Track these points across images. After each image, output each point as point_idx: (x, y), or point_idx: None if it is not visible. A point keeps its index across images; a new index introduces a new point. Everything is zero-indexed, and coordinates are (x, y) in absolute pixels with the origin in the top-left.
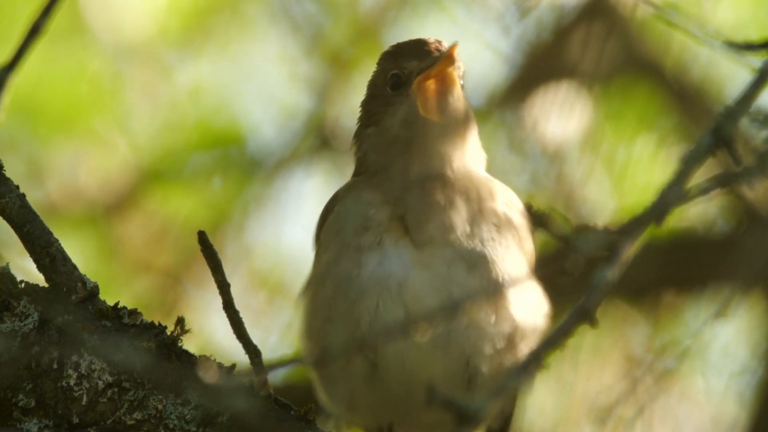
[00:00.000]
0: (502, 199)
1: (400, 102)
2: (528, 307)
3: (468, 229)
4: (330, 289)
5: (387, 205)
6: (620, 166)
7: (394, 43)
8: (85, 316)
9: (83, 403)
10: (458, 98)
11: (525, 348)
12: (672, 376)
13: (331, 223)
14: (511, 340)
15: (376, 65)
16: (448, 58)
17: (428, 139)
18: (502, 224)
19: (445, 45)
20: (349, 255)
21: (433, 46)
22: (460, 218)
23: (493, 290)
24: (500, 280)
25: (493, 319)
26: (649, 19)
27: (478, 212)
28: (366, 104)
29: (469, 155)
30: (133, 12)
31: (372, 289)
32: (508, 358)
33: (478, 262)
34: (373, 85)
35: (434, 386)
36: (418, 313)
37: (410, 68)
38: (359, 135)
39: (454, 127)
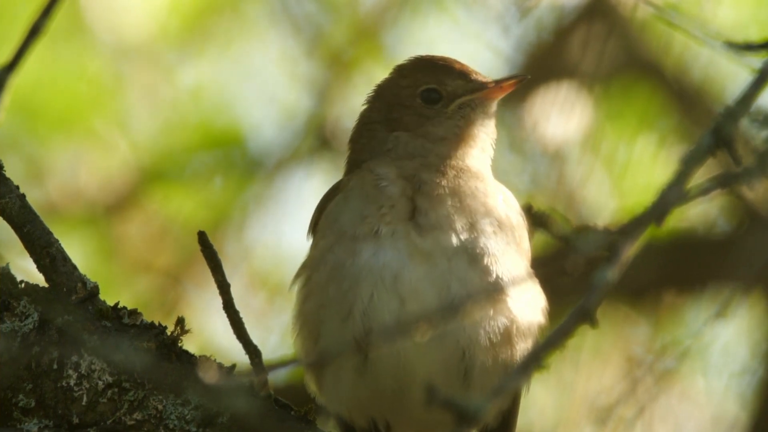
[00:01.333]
0: (501, 197)
1: (442, 116)
2: (525, 302)
3: (472, 222)
4: (324, 275)
5: (401, 179)
6: (620, 167)
7: (413, 56)
8: (85, 317)
9: (83, 403)
10: (494, 118)
11: (521, 343)
12: (672, 377)
13: (331, 210)
14: (508, 335)
15: (397, 73)
16: (502, 90)
17: (463, 146)
18: (503, 222)
19: (475, 68)
20: (345, 243)
21: (470, 68)
22: (465, 211)
23: (492, 286)
24: (500, 275)
25: (490, 312)
26: (649, 20)
27: (482, 207)
28: (388, 109)
29: (486, 158)
30: (134, 12)
31: (366, 278)
32: (504, 352)
33: (479, 256)
34: (393, 93)
35: (434, 386)
36: (414, 306)
37: (454, 87)
38: (378, 135)
39: (486, 138)
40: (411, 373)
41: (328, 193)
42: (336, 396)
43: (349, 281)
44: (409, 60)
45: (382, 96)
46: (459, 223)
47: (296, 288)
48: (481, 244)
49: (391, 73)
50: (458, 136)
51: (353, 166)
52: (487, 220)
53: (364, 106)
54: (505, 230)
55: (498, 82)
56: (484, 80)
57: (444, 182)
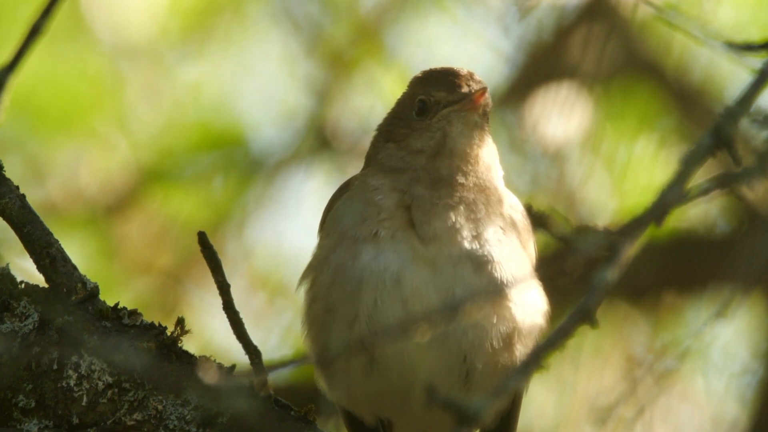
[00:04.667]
0: (508, 202)
1: (423, 128)
2: (528, 306)
3: (475, 230)
4: (328, 278)
5: (395, 192)
6: (621, 167)
7: (426, 68)
8: (85, 317)
9: (83, 403)
10: (479, 132)
11: (522, 347)
12: (672, 377)
13: (337, 209)
14: (509, 340)
15: (407, 86)
16: (474, 104)
17: (447, 162)
18: (507, 227)
19: (476, 78)
20: (347, 244)
21: (463, 79)
22: (467, 219)
23: (496, 291)
24: (504, 281)
25: (494, 319)
26: (649, 20)
27: (486, 216)
28: (390, 120)
29: (483, 170)
30: (134, 12)
31: (367, 282)
32: (505, 356)
33: (484, 263)
34: (400, 105)
35: (434, 386)
36: (417, 310)
37: (438, 98)
38: (378, 144)
39: (472, 153)
40: (414, 374)
41: (338, 191)
42: (344, 394)
43: (351, 285)
44: (422, 71)
45: (394, 107)
46: (461, 234)
47: (303, 290)
48: (486, 255)
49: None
50: (434, 149)
51: (365, 166)
52: (491, 229)
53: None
54: (509, 236)
55: (471, 94)
56: (465, 92)
57: (439, 195)
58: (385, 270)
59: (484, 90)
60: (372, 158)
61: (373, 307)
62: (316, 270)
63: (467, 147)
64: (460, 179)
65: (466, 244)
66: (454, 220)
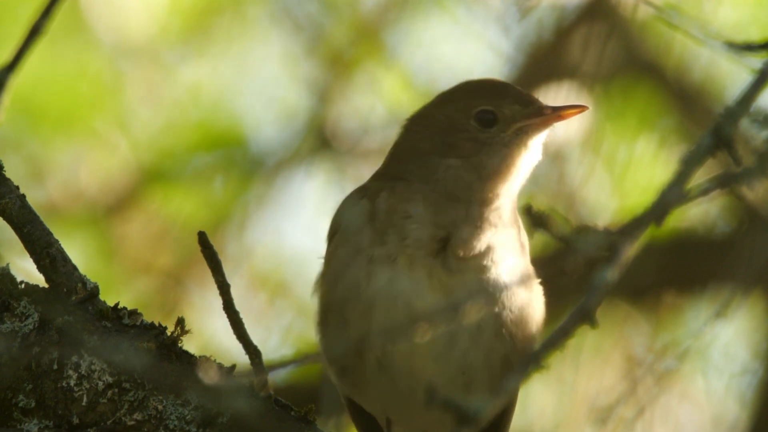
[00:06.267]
0: (519, 224)
1: (495, 141)
2: (528, 312)
3: (501, 256)
4: (340, 293)
5: (432, 226)
6: (621, 167)
7: (467, 80)
8: (85, 317)
9: (83, 403)
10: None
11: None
12: (673, 377)
13: (353, 219)
14: (507, 359)
15: (448, 98)
16: (561, 118)
17: (511, 181)
18: (520, 251)
19: (535, 95)
20: (361, 262)
21: (524, 92)
22: (492, 265)
23: (494, 299)
24: (513, 308)
25: (494, 327)
26: (649, 20)
27: (509, 264)
28: (440, 135)
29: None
30: (134, 12)
31: (381, 305)
32: (502, 373)
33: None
34: (446, 116)
35: (434, 387)
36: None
37: (512, 111)
38: (431, 162)
39: (531, 167)
40: (418, 382)
41: (352, 196)
42: (356, 393)
43: (363, 305)
44: (459, 84)
45: (431, 123)
46: (489, 261)
47: (315, 299)
48: (503, 282)
49: (435, 100)
50: (509, 168)
51: (388, 176)
52: (512, 276)
53: (408, 136)
54: (525, 254)
55: (556, 109)
56: (541, 106)
57: (477, 235)
58: (397, 297)
59: (579, 109)
60: (420, 176)
61: (385, 328)
62: (329, 283)
63: (533, 164)
64: (505, 214)
65: (487, 275)
66: (489, 248)
